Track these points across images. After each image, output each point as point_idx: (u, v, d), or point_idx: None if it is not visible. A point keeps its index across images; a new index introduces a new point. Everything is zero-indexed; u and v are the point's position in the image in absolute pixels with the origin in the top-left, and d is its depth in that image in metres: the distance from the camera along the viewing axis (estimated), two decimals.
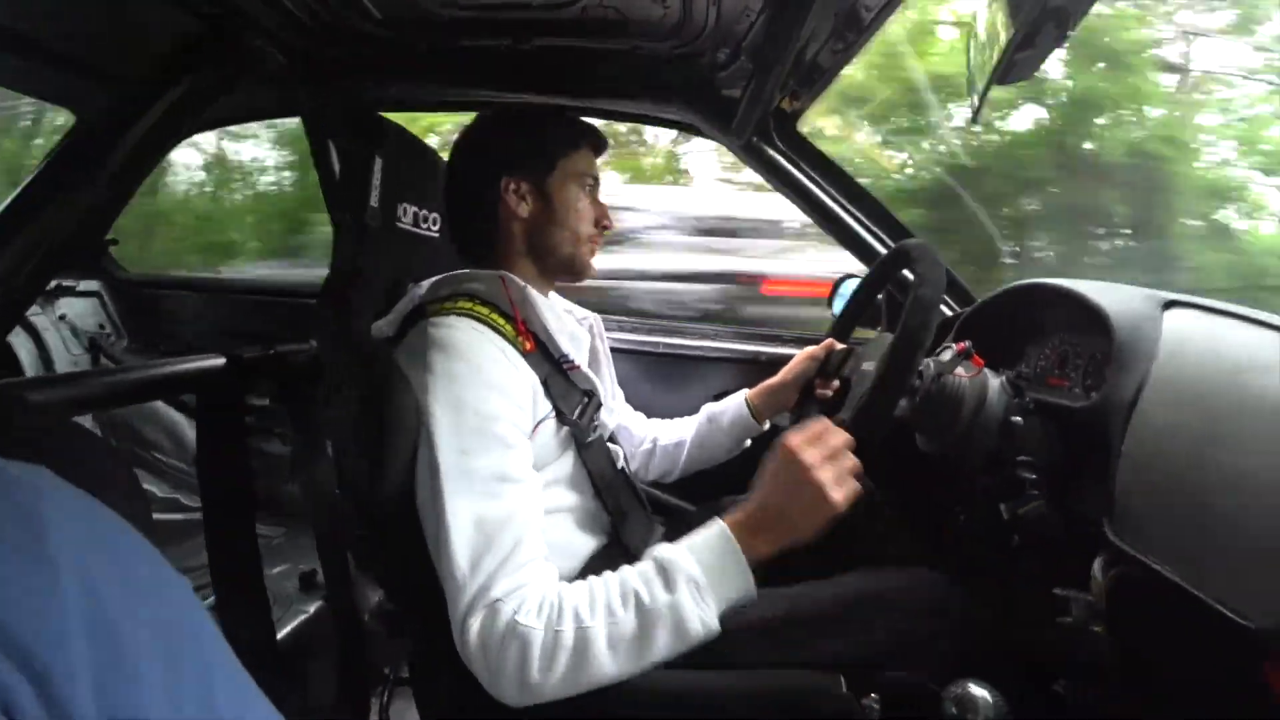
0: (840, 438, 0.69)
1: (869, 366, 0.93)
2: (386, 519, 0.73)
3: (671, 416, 1.20)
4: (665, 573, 0.65)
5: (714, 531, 0.67)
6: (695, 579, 0.64)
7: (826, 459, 0.67)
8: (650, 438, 1.16)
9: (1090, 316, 0.85)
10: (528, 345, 0.79)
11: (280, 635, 1.17)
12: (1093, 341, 0.85)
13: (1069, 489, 0.81)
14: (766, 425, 1.13)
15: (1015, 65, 0.63)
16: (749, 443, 1.14)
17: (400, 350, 0.77)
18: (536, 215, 0.87)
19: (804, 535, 0.66)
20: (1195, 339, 0.76)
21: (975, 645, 0.83)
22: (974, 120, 0.69)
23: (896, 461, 0.98)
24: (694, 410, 1.18)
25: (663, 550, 0.67)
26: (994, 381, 0.88)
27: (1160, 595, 0.65)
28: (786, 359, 1.13)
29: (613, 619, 0.63)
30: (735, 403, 1.13)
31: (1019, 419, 0.85)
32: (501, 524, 0.66)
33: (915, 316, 0.78)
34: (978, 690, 0.74)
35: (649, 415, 1.20)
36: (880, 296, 1.15)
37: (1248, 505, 0.62)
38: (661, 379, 1.53)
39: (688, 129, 1.34)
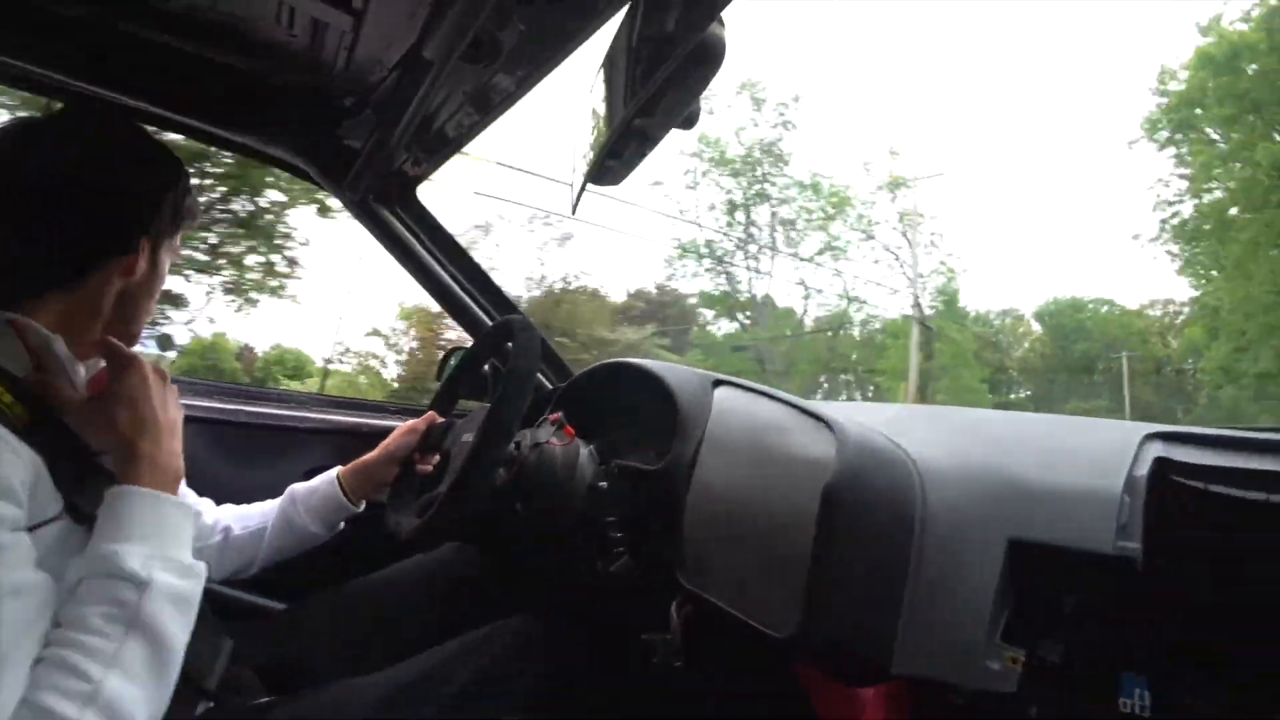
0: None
1: (469, 439, 0.94)
2: None
3: (251, 500, 1.01)
4: (116, 575, 0.55)
5: (128, 499, 0.59)
6: (149, 556, 0.57)
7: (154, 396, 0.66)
8: (220, 528, 0.95)
9: (661, 391, 1.01)
10: (28, 418, 0.57)
11: None
12: (663, 412, 0.99)
13: (650, 543, 0.92)
14: (362, 506, 1.02)
15: (606, 171, 0.70)
16: (343, 525, 1.02)
17: None
18: (143, 281, 0.69)
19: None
20: (736, 409, 0.95)
21: (565, 687, 0.89)
22: (573, 211, 0.78)
23: (502, 525, 1.01)
24: (279, 492, 1.01)
25: (100, 551, 0.56)
26: (584, 450, 0.98)
27: (720, 625, 0.79)
28: (390, 431, 1.06)
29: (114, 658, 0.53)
30: (326, 481, 1.01)
31: (604, 483, 0.95)
32: None
33: (510, 389, 0.84)
34: None
35: (220, 499, 1.00)
36: (487, 369, 1.18)
37: (769, 537, 0.80)
38: (240, 455, 1.26)
39: (297, 173, 1.19)
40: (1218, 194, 14.27)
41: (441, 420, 1.08)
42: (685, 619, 0.86)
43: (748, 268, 18.38)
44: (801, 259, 18.18)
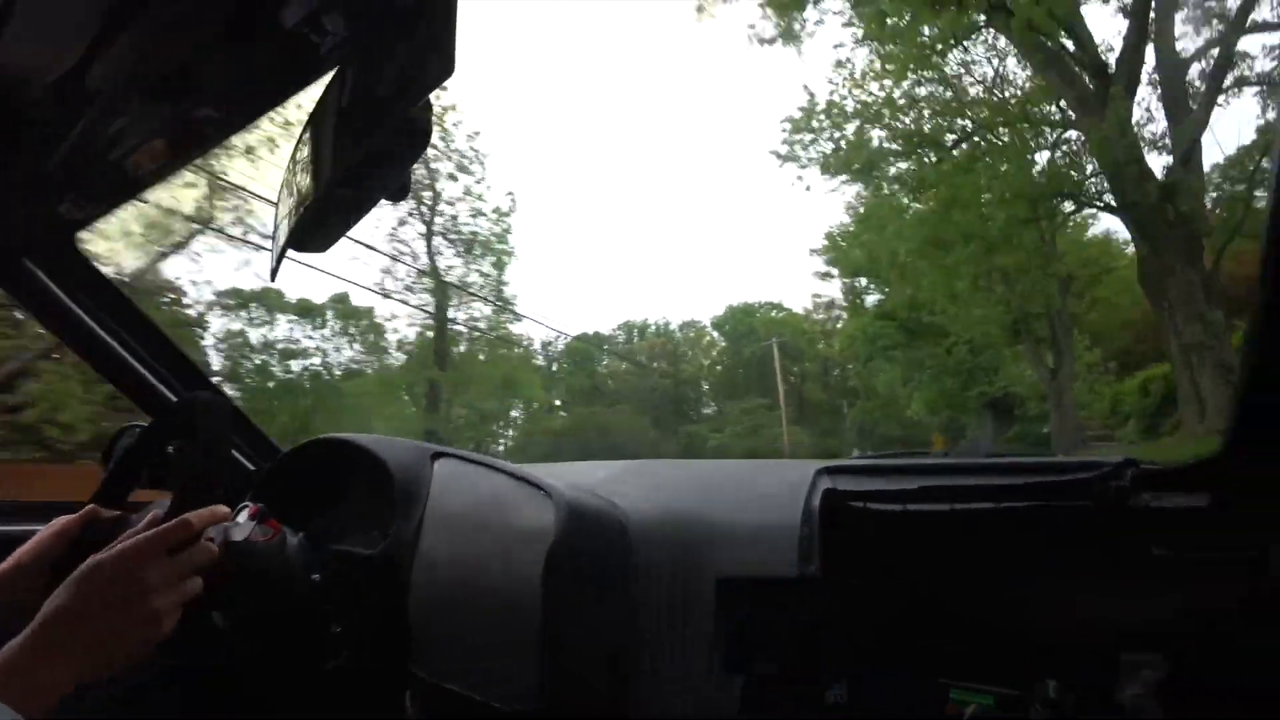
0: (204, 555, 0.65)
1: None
2: None
3: None
4: None
5: None
6: None
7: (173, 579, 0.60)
8: None
9: (377, 468, 0.95)
10: None
11: None
12: (380, 490, 0.93)
13: (375, 633, 0.85)
14: None
15: (305, 238, 0.65)
16: None
17: None
18: None
19: (115, 664, 0.57)
20: (458, 483, 0.93)
21: None
22: (272, 277, 0.71)
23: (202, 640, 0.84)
24: None
25: None
26: (292, 540, 0.86)
27: (458, 711, 0.75)
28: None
29: None
30: None
31: (318, 575, 0.84)
32: None
33: (194, 476, 0.76)
34: None
35: None
36: (171, 451, 0.99)
37: (498, 613, 0.79)
38: None
39: None
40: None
41: (109, 515, 0.86)
42: (421, 709, 0.80)
43: None
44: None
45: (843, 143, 13.98)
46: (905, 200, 14.50)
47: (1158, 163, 11.84)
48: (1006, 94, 13.82)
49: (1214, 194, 13.50)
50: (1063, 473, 0.86)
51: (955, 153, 13.21)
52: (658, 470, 1.16)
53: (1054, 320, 15.79)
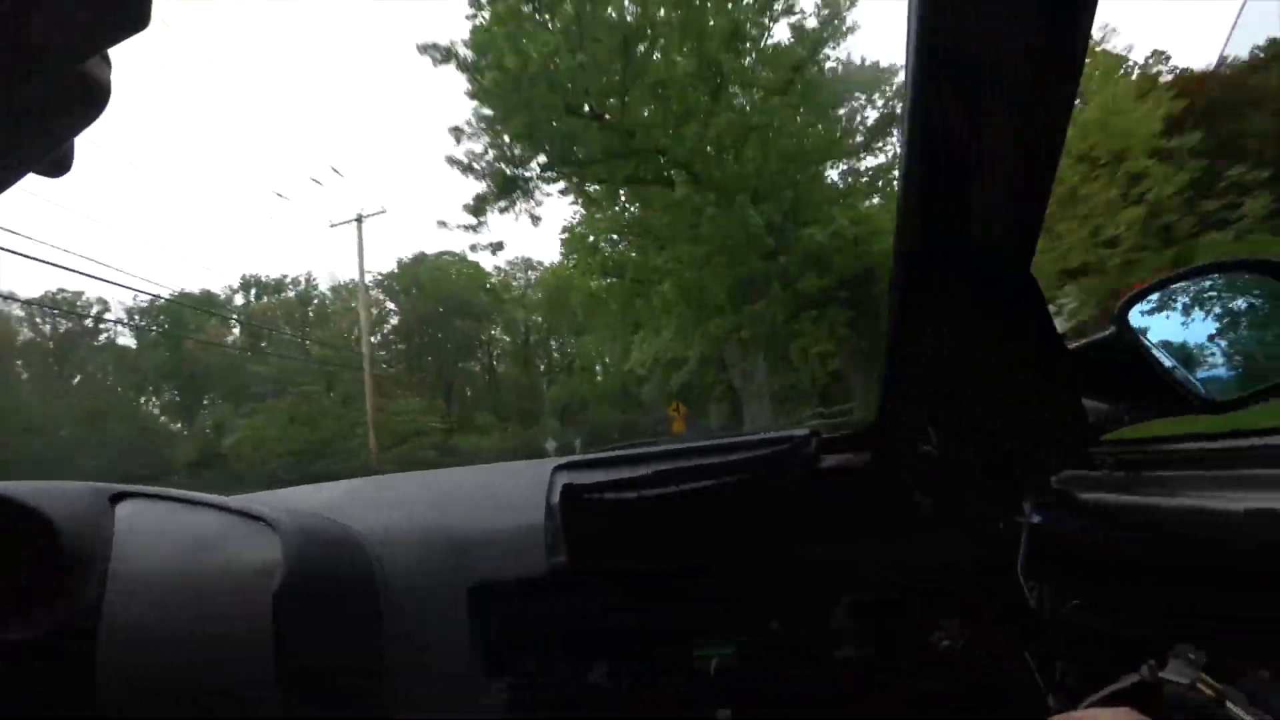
0: None
1: None
2: None
3: None
4: None
5: None
6: None
7: None
8: None
9: (33, 523, 0.75)
10: None
11: None
12: (42, 553, 0.74)
13: None
14: None
15: None
16: None
17: None
18: None
19: None
20: (151, 528, 0.79)
21: None
22: None
23: None
24: None
25: None
26: None
27: None
28: None
29: None
30: None
31: None
32: None
33: None
34: None
35: None
36: None
37: (223, 670, 0.68)
38: None
39: None
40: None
41: None
42: None
43: None
44: None
45: None
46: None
47: None
48: None
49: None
50: (766, 446, 1.00)
51: None
52: (394, 485, 1.10)
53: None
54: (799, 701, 1.01)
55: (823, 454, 0.98)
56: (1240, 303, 0.60)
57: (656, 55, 10.29)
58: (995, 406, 0.74)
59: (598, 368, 23.20)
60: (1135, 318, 0.63)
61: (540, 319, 25.77)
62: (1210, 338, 0.60)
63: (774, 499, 1.00)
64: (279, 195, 26.61)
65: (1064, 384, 0.67)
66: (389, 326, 25.79)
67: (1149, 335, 0.62)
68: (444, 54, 10.88)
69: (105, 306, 21.06)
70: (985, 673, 0.85)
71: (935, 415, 0.85)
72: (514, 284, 27.16)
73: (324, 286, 26.69)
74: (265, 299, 25.88)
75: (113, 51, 0.42)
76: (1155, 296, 0.63)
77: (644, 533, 1.01)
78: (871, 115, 12.30)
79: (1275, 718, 0.47)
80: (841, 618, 1.00)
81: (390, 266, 25.46)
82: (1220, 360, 0.59)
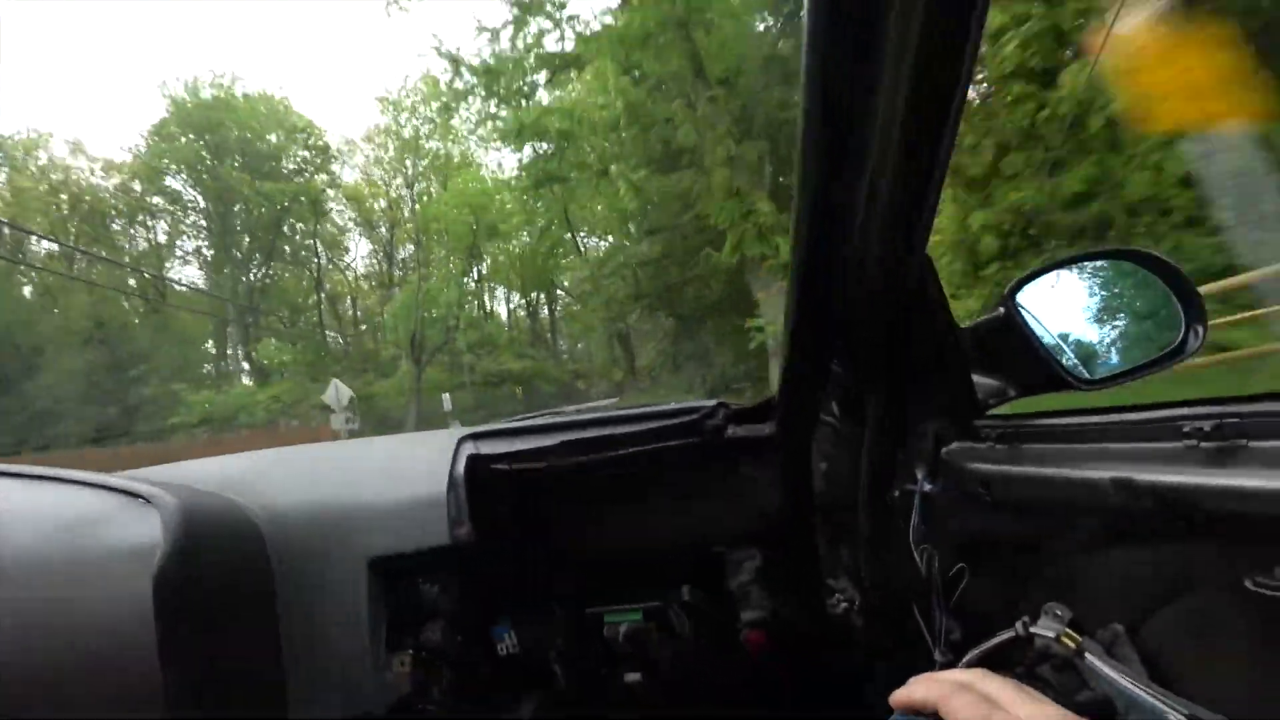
0: None
1: None
2: None
3: None
4: None
5: None
6: None
7: None
8: None
9: None
10: None
11: None
12: None
13: None
14: None
15: None
16: None
17: None
18: None
19: None
20: (7, 509, 0.69)
21: None
22: None
23: None
24: None
25: None
26: None
27: None
28: None
29: None
30: None
31: None
32: None
33: None
34: None
35: None
36: None
37: (100, 665, 0.61)
38: None
39: None
40: None
41: None
42: None
43: None
44: None
45: None
46: None
47: None
48: None
49: None
50: (674, 417, 1.01)
51: None
52: (293, 458, 1.03)
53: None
54: (707, 665, 1.04)
55: (730, 424, 0.99)
56: (1117, 289, 0.65)
57: None
58: (890, 381, 0.77)
59: None
60: (1023, 298, 0.67)
61: None
62: (1089, 320, 0.65)
63: (681, 466, 1.01)
64: None
65: (955, 361, 0.71)
66: None
67: (1035, 316, 0.67)
68: None
69: None
70: (877, 631, 0.91)
71: (833, 389, 0.87)
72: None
73: None
74: None
75: None
76: (1042, 279, 0.67)
77: (551, 502, 0.99)
78: None
79: (1125, 665, 0.53)
80: (745, 583, 1.03)
81: None
82: (1096, 341, 0.64)
